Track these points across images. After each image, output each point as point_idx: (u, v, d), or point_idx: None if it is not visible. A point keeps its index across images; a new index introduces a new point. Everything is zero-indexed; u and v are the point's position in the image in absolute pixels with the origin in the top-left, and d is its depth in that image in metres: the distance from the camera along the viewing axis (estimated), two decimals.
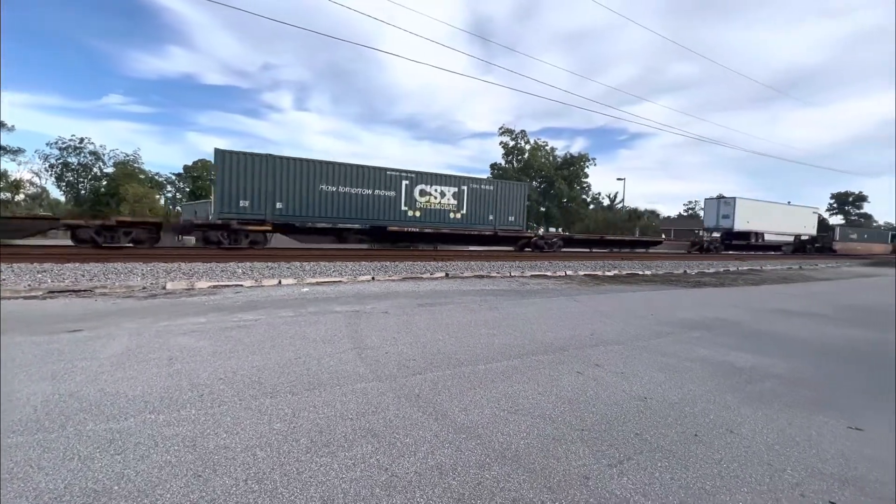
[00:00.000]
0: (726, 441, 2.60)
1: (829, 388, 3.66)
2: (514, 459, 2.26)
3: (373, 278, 9.87)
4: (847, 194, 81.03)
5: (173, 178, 71.01)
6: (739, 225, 30.10)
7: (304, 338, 4.55)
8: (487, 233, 20.36)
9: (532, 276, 12.01)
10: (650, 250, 27.46)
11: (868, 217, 79.19)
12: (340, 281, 9.31)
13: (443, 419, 2.71)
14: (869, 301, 9.87)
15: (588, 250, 23.79)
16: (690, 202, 71.69)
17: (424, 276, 10.73)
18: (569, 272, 13.00)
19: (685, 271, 15.29)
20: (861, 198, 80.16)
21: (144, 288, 7.55)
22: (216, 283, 8.10)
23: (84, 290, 7.00)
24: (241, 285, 8.20)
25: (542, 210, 43.27)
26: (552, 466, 2.21)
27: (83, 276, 8.10)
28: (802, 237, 35.48)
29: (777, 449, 2.52)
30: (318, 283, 8.87)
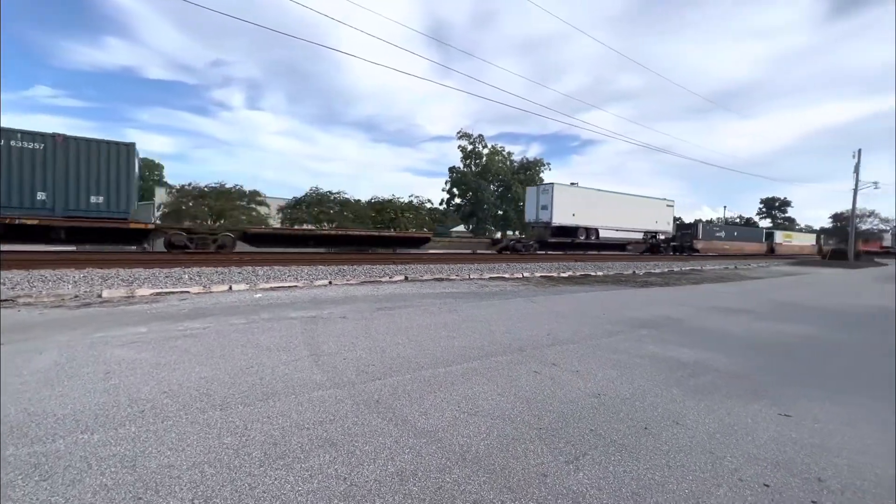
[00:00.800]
0: (673, 432, 2.74)
1: (761, 379, 3.96)
2: (475, 461, 2.28)
3: (330, 282, 9.64)
4: (774, 199, 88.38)
5: None
6: (560, 218, 24.71)
7: (256, 346, 4.36)
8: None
9: (490, 278, 12.18)
10: (422, 249, 21.52)
11: (792, 220, 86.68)
12: (296, 286, 9.02)
13: (403, 424, 2.68)
14: (792, 297, 10.80)
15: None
16: None
17: (383, 279, 10.61)
18: (525, 274, 13.30)
19: (634, 272, 16.06)
20: (786, 203, 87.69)
21: (77, 296, 6.96)
22: (159, 290, 7.61)
23: (4, 301, 6.35)
24: (188, 292, 7.75)
25: (499, 213, 44.11)
26: (511, 466, 2.24)
27: (2, 284, 7.34)
28: (657, 234, 30.96)
29: (718, 437, 2.70)
30: (272, 289, 8.54)
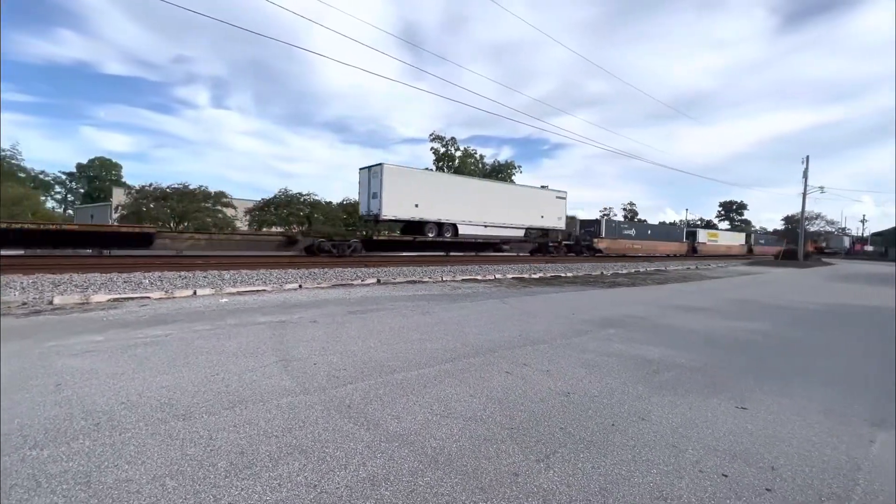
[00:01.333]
0: (639, 428, 2.84)
1: (719, 374, 4.15)
2: (447, 463, 2.28)
3: (300, 286, 9.44)
4: (732, 203, 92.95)
5: (63, 177, 62.50)
6: (394, 209, 18.60)
7: (222, 352, 4.22)
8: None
9: (463, 280, 12.24)
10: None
11: (748, 222, 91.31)
12: (264, 290, 8.78)
13: (375, 429, 2.66)
14: (748, 295, 11.37)
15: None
16: (606, 208, 77.74)
17: (355, 282, 10.48)
18: (497, 275, 13.44)
19: (602, 273, 16.50)
20: (742, 206, 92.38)
21: (25, 303, 6.54)
22: (117, 296, 7.24)
23: None
24: (149, 297, 7.41)
25: None
26: (483, 467, 2.26)
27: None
28: (548, 231, 25.80)
29: (680, 431, 2.81)
30: (239, 293, 8.29)
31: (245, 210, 35.75)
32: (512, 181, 26.13)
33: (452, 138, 42.18)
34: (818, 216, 71.04)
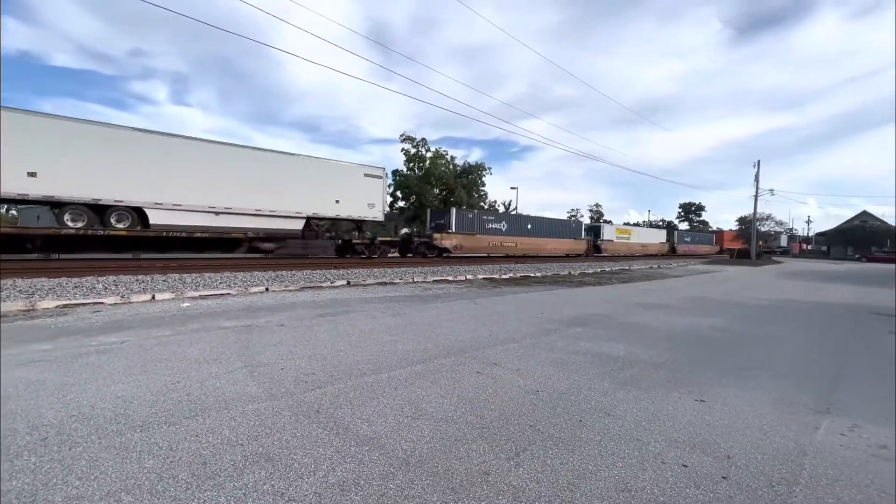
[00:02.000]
0: (605, 423, 2.92)
1: (680, 369, 4.33)
2: (418, 465, 2.28)
3: (267, 289, 9.18)
4: (691, 204, 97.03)
5: None
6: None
7: (183, 359, 4.05)
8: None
9: (434, 280, 12.25)
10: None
11: (705, 223, 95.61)
12: (229, 293, 8.49)
13: (345, 433, 2.62)
14: (704, 293, 11.92)
15: None
16: (573, 210, 79.58)
17: (324, 284, 10.29)
18: (468, 276, 13.52)
19: (570, 272, 16.89)
20: (700, 207, 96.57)
21: None
22: (67, 302, 6.82)
23: None
24: (102, 303, 7.02)
25: None
26: (454, 467, 2.27)
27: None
28: (360, 224, 18.96)
29: (644, 425, 2.91)
30: (201, 297, 7.97)
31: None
32: (287, 153, 16.85)
33: (423, 139, 42.04)
34: (769, 217, 75.40)
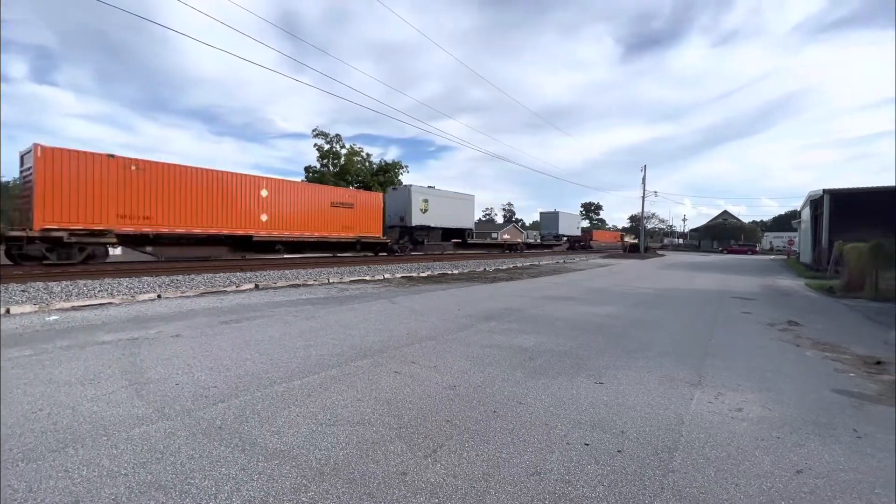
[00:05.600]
0: (517, 412, 3.08)
1: (582, 355, 4.72)
2: (333, 473, 2.19)
3: (159, 296, 8.20)
4: (591, 204, 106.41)
5: None
6: None
7: (49, 382, 3.46)
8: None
9: (352, 281, 11.92)
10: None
11: (603, 221, 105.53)
12: (110, 302, 7.43)
13: (251, 448, 2.43)
14: (602, 285, 13.16)
15: None
16: (487, 209, 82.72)
17: (229, 289, 9.48)
18: (387, 275, 13.38)
19: (485, 269, 17.53)
20: (599, 206, 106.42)
21: None
22: None
23: None
24: None
25: None
26: (371, 471, 2.23)
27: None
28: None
29: (552, 410, 3.12)
30: (73, 308, 6.88)
31: None
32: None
33: (337, 135, 40.68)
34: (654, 215, 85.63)
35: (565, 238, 44.83)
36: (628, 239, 57.43)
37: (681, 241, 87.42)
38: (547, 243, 41.78)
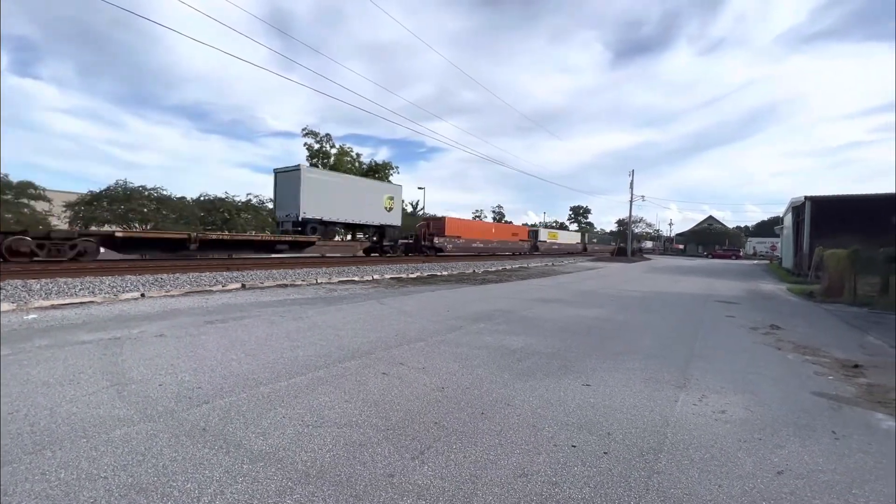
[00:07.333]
0: (505, 413, 3.08)
1: (570, 357, 4.75)
2: (319, 476, 2.17)
3: (142, 295, 8.05)
4: (580, 207, 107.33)
5: None
6: None
7: (26, 382, 3.37)
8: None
9: (340, 281, 11.84)
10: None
11: (591, 225, 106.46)
12: (92, 301, 7.27)
13: (236, 450, 2.40)
14: (591, 287, 13.28)
15: None
16: (477, 210, 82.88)
17: (215, 288, 9.34)
18: (375, 276, 13.32)
19: (473, 271, 17.56)
20: (587, 210, 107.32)
21: None
22: None
23: None
24: None
25: None
26: (358, 473, 2.21)
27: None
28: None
29: (539, 412, 3.13)
30: (53, 307, 6.71)
31: (65, 204, 29.23)
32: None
33: (327, 134, 40.39)
34: (640, 219, 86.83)
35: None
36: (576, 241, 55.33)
37: (670, 245, 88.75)
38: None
